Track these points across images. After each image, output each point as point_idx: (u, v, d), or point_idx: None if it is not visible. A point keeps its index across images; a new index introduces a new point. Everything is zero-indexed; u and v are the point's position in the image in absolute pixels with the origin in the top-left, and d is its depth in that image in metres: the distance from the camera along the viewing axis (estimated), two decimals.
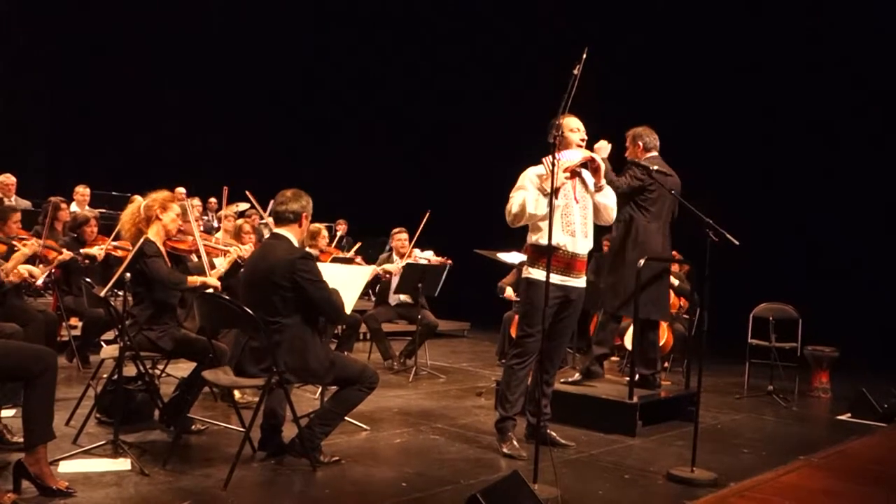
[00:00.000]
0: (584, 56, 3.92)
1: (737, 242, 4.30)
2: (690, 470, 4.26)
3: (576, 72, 3.93)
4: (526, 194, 4.39)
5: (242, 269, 4.41)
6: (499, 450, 4.57)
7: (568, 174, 4.41)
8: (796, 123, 10.65)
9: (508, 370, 4.60)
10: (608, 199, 4.63)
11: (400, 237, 7.77)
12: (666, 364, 7.75)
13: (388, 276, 7.57)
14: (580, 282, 4.58)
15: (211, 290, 4.95)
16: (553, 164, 4.00)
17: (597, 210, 4.61)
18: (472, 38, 13.16)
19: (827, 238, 10.36)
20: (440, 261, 7.66)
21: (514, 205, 4.43)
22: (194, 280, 4.83)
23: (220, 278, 5.34)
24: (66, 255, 5.99)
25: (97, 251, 6.43)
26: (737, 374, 7.77)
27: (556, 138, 4.41)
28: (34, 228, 6.42)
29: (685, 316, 7.88)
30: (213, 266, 5.25)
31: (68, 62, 12.48)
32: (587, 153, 4.49)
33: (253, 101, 13.86)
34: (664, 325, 7.45)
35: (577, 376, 5.67)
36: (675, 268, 7.91)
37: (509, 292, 8.19)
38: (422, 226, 7.70)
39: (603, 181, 4.55)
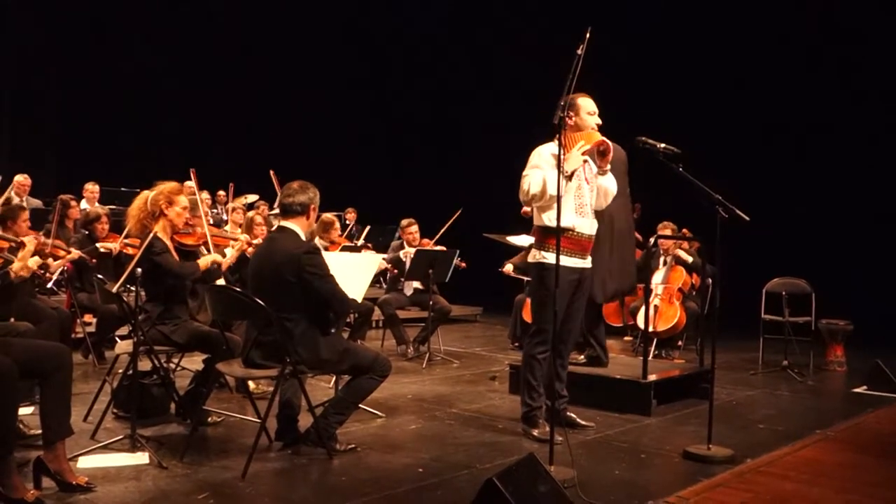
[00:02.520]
0: (588, 36, 3.87)
1: (747, 218, 4.26)
2: (707, 447, 4.26)
3: (579, 52, 3.88)
4: (544, 174, 4.29)
5: (250, 263, 4.41)
6: (528, 436, 4.53)
7: (586, 157, 4.40)
8: (807, 92, 10.54)
9: (532, 360, 4.52)
10: (610, 184, 4.58)
11: (410, 230, 7.79)
12: (680, 342, 7.74)
13: (395, 271, 7.62)
14: (588, 262, 4.58)
15: (220, 266, 4.97)
16: (561, 145, 3.97)
17: (596, 193, 4.58)
18: (480, 33, 13.10)
19: (838, 210, 10.28)
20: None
21: (532, 184, 4.31)
22: (206, 262, 4.78)
23: (230, 269, 5.35)
24: (75, 254, 6.01)
25: (114, 245, 6.46)
26: (751, 350, 7.75)
27: (573, 118, 4.40)
28: (45, 227, 6.44)
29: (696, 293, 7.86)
30: (223, 256, 5.26)
31: (76, 60, 12.49)
32: (599, 137, 4.45)
33: (263, 94, 13.84)
34: (677, 303, 7.44)
35: (581, 358, 5.65)
36: (685, 245, 7.89)
37: (508, 268, 8.18)
38: (450, 221, 7.81)
39: (608, 166, 4.51)
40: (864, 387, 6.50)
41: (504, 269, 8.23)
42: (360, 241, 8.04)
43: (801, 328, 7.23)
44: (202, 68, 13.23)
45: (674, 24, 11.11)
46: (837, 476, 3.98)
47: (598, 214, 4.70)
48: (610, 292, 5.50)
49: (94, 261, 6.35)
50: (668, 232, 7.46)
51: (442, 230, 7.97)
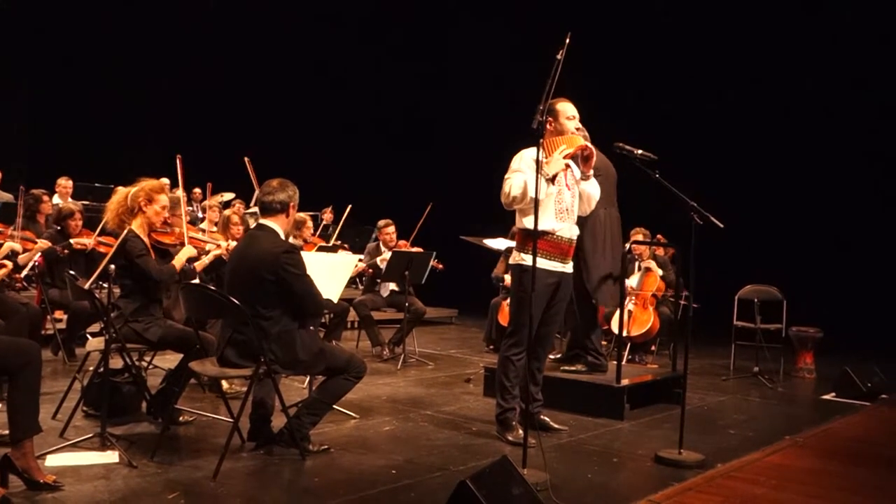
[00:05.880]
0: (567, 41, 3.89)
1: (721, 225, 4.31)
2: (678, 452, 4.29)
3: (559, 56, 3.90)
4: (525, 177, 4.29)
5: (228, 261, 4.38)
6: (502, 440, 4.53)
7: (568, 160, 4.41)
8: (779, 102, 10.67)
9: (506, 361, 4.52)
10: (593, 189, 4.61)
11: (388, 230, 7.77)
12: (653, 347, 7.81)
13: (371, 271, 7.61)
14: (570, 267, 4.59)
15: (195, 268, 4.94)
16: (539, 149, 3.99)
17: (580, 198, 4.60)
18: (457, 28, 13.10)
19: (810, 219, 10.43)
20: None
21: (513, 187, 4.32)
22: (181, 262, 4.72)
23: (204, 270, 5.30)
24: (43, 243, 5.94)
25: (88, 241, 6.38)
26: (723, 356, 7.83)
27: (552, 123, 4.41)
28: (15, 222, 6.35)
29: (671, 299, 7.92)
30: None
31: (50, 53, 12.33)
32: (582, 141, 4.47)
33: (241, 90, 13.75)
34: (650, 309, 7.50)
35: (580, 367, 5.64)
36: (659, 251, 7.96)
37: (508, 280, 8.18)
38: (423, 218, 7.79)
39: (591, 171, 4.54)
40: (833, 393, 6.59)
41: (506, 283, 8.22)
42: (332, 241, 7.99)
43: (773, 335, 7.31)
44: (179, 63, 13.11)
45: (653, 30, 11.19)
46: (806, 481, 4.04)
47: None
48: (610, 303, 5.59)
49: (65, 252, 6.26)
50: (641, 237, 7.53)
51: (416, 229, 7.98)
